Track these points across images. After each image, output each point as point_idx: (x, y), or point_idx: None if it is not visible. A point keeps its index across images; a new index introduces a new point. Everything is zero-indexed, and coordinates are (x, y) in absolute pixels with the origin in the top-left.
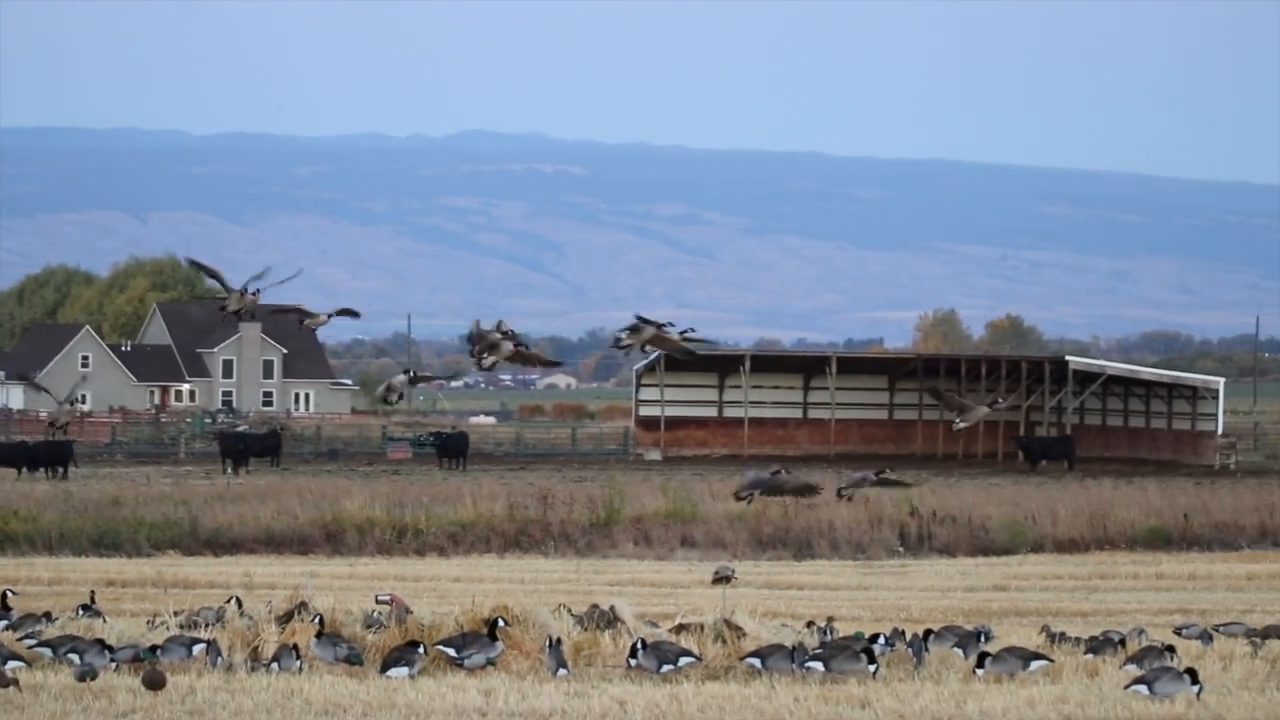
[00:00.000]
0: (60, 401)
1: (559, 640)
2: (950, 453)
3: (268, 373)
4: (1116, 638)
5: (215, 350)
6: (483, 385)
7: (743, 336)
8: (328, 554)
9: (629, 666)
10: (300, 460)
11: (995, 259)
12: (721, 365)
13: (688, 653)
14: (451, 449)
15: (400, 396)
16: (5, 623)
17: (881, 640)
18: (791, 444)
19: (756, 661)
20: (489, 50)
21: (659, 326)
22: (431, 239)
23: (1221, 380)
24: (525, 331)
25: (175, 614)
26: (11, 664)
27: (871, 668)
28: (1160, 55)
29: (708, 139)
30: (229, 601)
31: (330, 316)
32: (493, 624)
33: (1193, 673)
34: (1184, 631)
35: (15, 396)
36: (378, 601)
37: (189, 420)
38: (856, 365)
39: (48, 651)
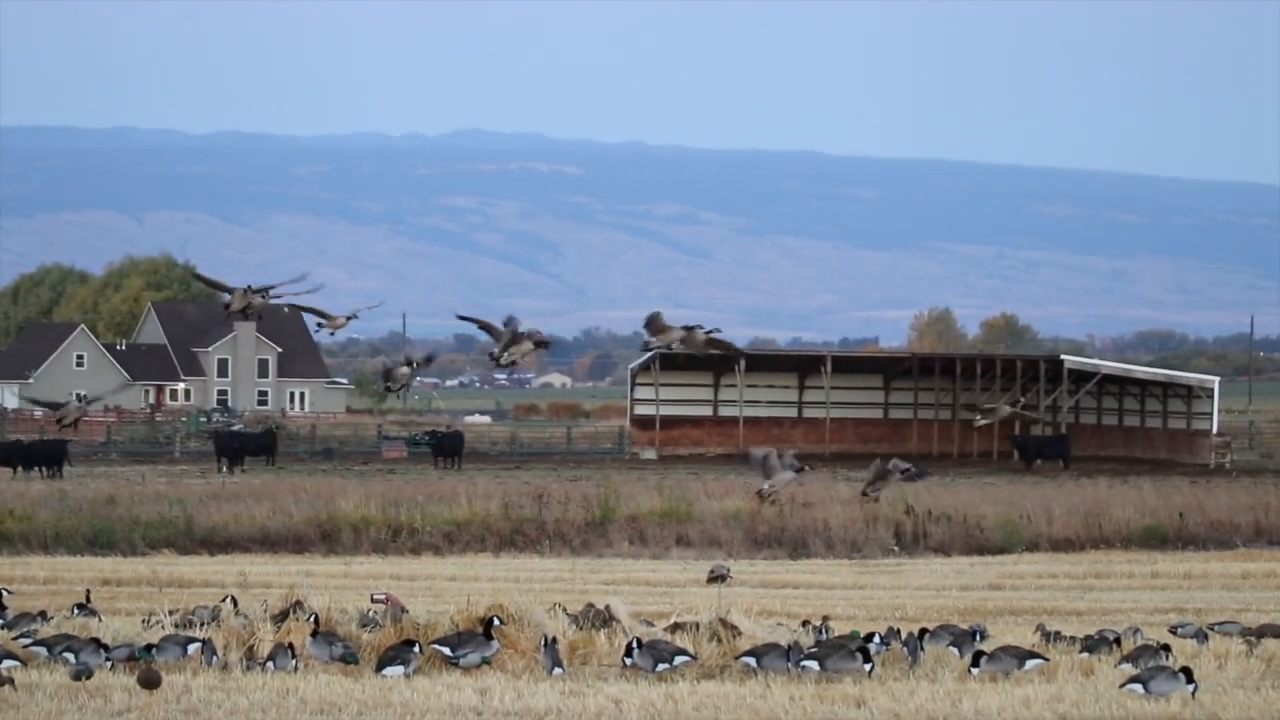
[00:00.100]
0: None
1: (554, 639)
2: (945, 452)
3: (263, 372)
4: (1112, 636)
5: (210, 349)
6: (478, 384)
7: (738, 336)
8: (323, 553)
9: (624, 665)
10: (295, 459)
11: (991, 258)
12: (717, 364)
13: (683, 652)
14: (446, 448)
15: (403, 386)
16: (0, 622)
17: (877, 639)
18: (787, 443)
19: (752, 660)
20: (485, 49)
21: (687, 329)
22: (428, 239)
23: (1216, 379)
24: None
25: (170, 613)
26: (7, 663)
27: (867, 667)
28: (1158, 55)
29: (704, 139)
30: (224, 600)
31: (349, 319)
32: (488, 623)
33: (1188, 672)
34: (1179, 630)
35: (10, 396)
36: (373, 600)
37: (184, 419)
38: (852, 364)
39: (43, 650)
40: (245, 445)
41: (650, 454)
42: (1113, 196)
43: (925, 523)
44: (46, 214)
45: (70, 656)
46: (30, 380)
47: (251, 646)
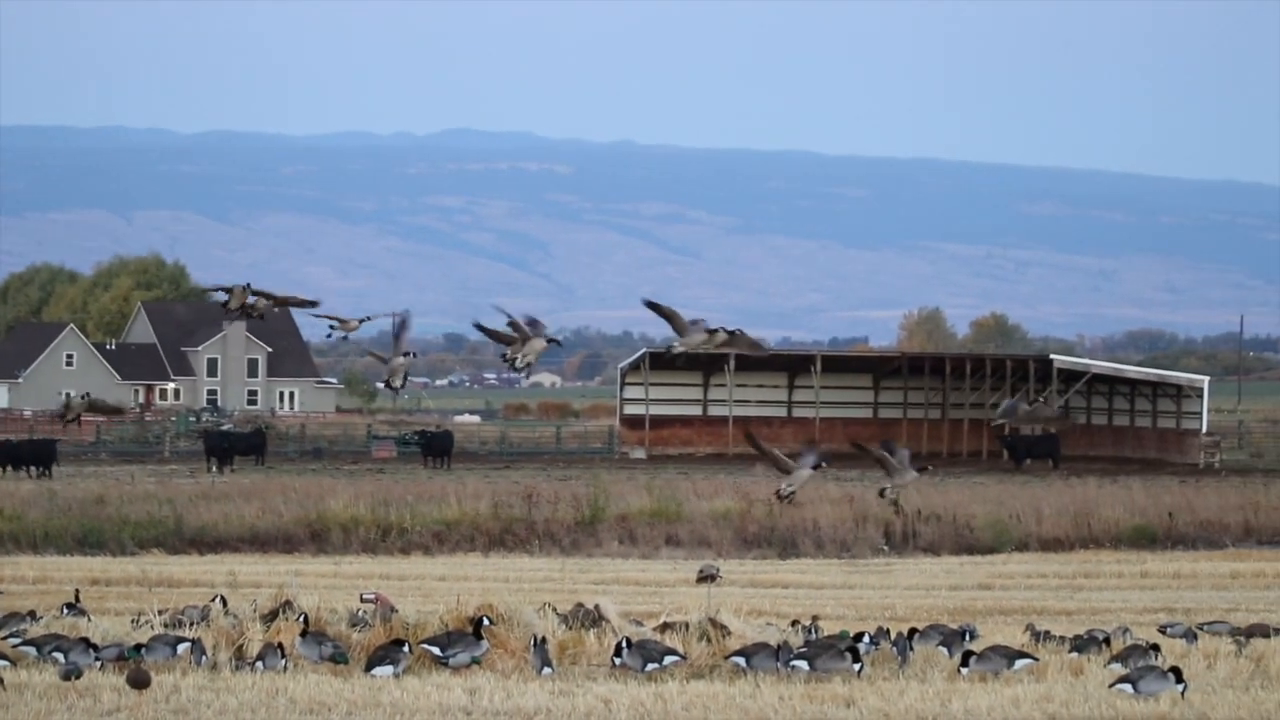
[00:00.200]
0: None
1: (544, 639)
2: (934, 451)
3: (252, 371)
4: (1101, 636)
5: (200, 349)
6: (467, 384)
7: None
8: (312, 553)
9: (614, 665)
10: (285, 459)
11: (980, 258)
12: (706, 364)
13: (672, 651)
14: (436, 448)
15: (405, 380)
16: None
17: (866, 639)
18: (776, 443)
19: (741, 660)
20: (475, 48)
21: (710, 331)
22: (418, 238)
23: (1206, 379)
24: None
25: (160, 613)
26: None
27: (856, 667)
28: (1147, 55)
29: (694, 138)
30: (214, 600)
31: (361, 323)
32: (478, 623)
33: (1177, 671)
34: (1168, 630)
35: None
36: (362, 600)
37: (174, 419)
38: (841, 364)
39: (32, 650)
40: (235, 445)
41: (640, 454)
42: (1102, 196)
43: (915, 522)
44: (36, 213)
45: (59, 656)
46: (20, 380)
47: (241, 646)
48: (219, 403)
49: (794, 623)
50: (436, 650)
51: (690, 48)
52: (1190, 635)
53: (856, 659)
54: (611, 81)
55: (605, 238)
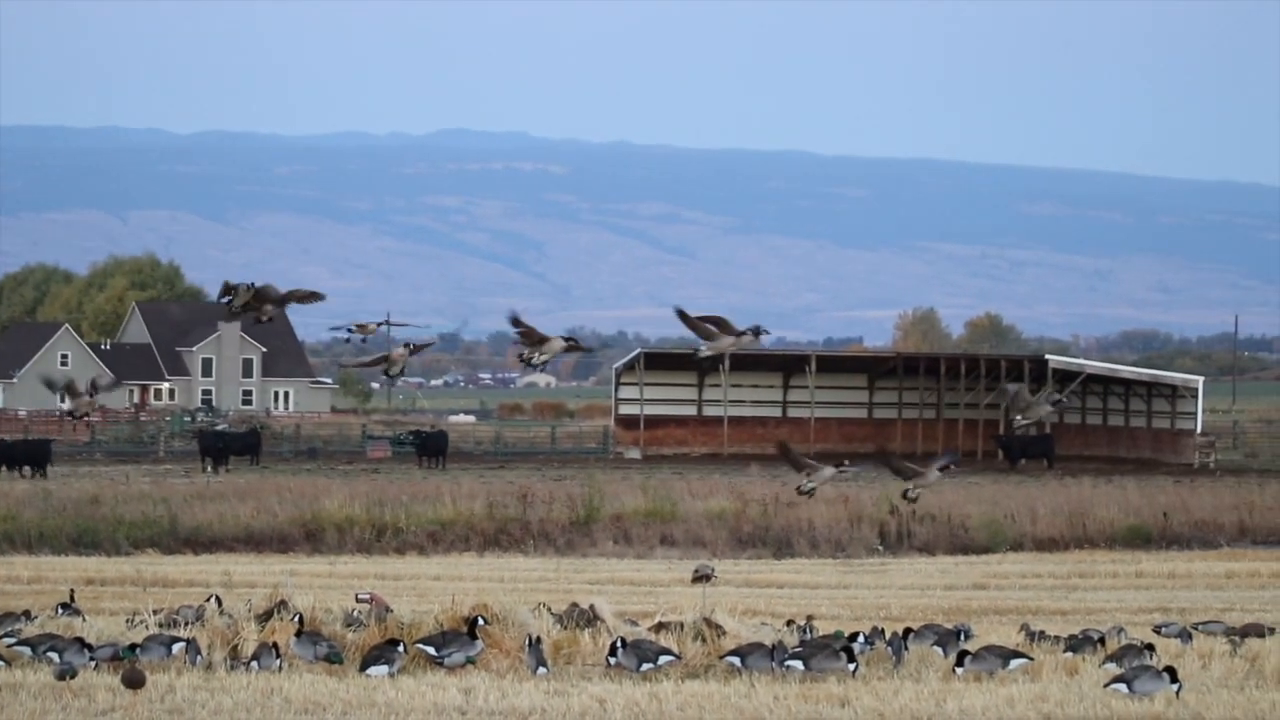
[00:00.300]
0: (79, 392)
1: (538, 639)
2: (929, 451)
3: (247, 371)
4: (1096, 636)
5: (195, 349)
6: (462, 384)
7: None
8: (307, 552)
9: (608, 665)
10: (280, 459)
11: (976, 258)
12: (701, 364)
13: (667, 651)
14: (431, 448)
15: (401, 370)
16: None
17: (861, 639)
18: (771, 443)
19: (736, 660)
20: (471, 48)
21: (737, 334)
22: (413, 238)
23: (1201, 379)
24: (506, 330)
25: (155, 612)
26: None
27: (851, 666)
28: (1144, 54)
29: (690, 138)
30: (208, 600)
31: (379, 326)
32: (472, 622)
33: (1172, 671)
34: (1163, 630)
35: None
36: (357, 600)
37: (168, 419)
38: (836, 364)
39: (27, 650)
40: (230, 445)
41: (635, 454)
42: (1097, 196)
43: (910, 522)
44: (31, 213)
45: (54, 656)
46: (14, 380)
47: (236, 646)
48: (214, 403)
49: (789, 622)
50: (431, 650)
51: (687, 48)
52: (1185, 635)
53: (851, 659)
54: (608, 81)
55: (601, 238)
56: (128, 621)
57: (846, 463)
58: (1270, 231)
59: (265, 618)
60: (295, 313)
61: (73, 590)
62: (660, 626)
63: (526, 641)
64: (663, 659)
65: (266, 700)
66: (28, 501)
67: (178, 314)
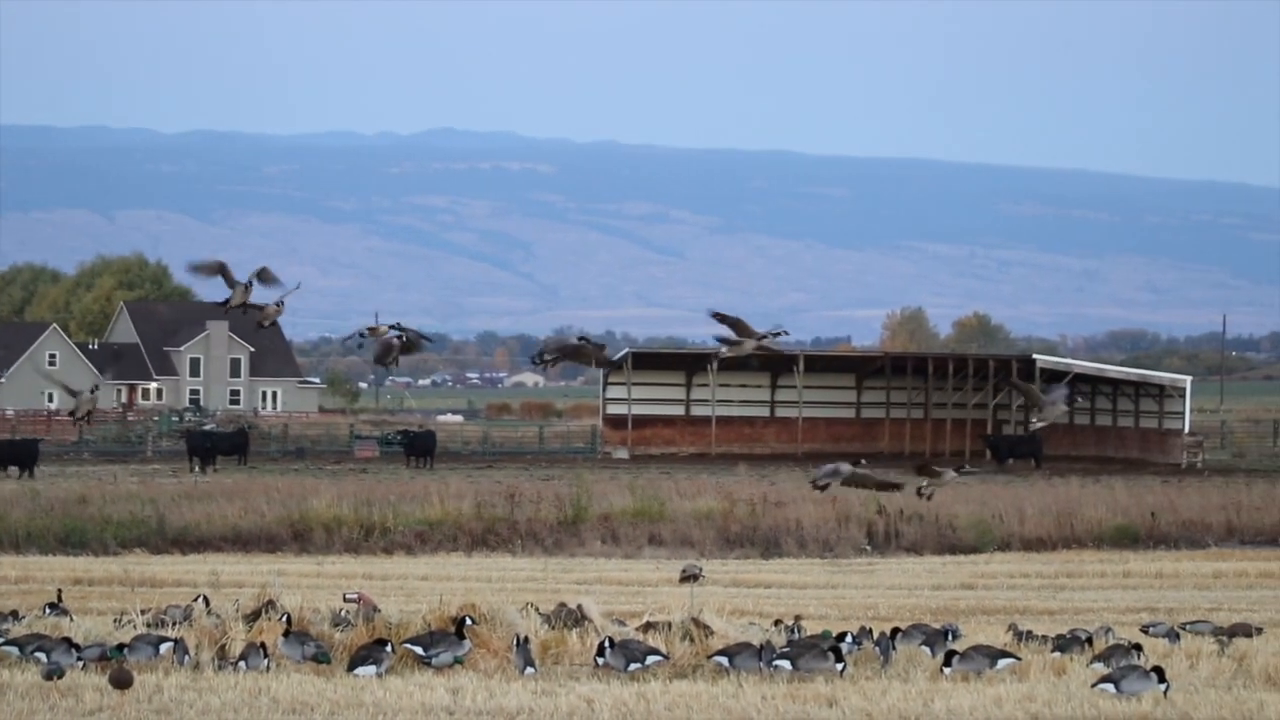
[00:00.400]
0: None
1: (526, 639)
2: (917, 451)
3: (235, 371)
4: (1084, 636)
5: (182, 349)
6: (450, 383)
7: (710, 335)
8: (295, 552)
9: (596, 665)
10: (267, 459)
11: (963, 258)
12: (689, 364)
13: (655, 651)
14: (419, 447)
15: (396, 361)
16: None
17: (849, 639)
18: (759, 443)
19: (724, 660)
20: (458, 48)
21: (759, 337)
22: (401, 238)
23: (1188, 379)
24: (493, 330)
25: (142, 612)
26: None
27: (839, 666)
28: (1130, 55)
29: (677, 138)
30: (196, 600)
31: (389, 329)
32: (460, 622)
33: (1160, 671)
34: (1151, 630)
35: None
36: (345, 600)
37: (156, 419)
38: (824, 364)
39: (14, 650)
40: (217, 444)
41: (622, 453)
42: (1084, 196)
43: (897, 522)
44: (18, 213)
45: (42, 656)
46: (2, 380)
47: (224, 646)
48: (201, 402)
49: (777, 622)
50: (419, 650)
51: (674, 48)
52: (1173, 635)
53: (839, 658)
54: (595, 81)
55: (588, 237)
56: (115, 621)
57: (967, 465)
58: (1257, 231)
59: (253, 618)
60: (287, 311)
61: (60, 590)
62: (648, 626)
63: (514, 641)
64: (650, 659)
65: (254, 700)
66: (15, 501)
67: (165, 314)
